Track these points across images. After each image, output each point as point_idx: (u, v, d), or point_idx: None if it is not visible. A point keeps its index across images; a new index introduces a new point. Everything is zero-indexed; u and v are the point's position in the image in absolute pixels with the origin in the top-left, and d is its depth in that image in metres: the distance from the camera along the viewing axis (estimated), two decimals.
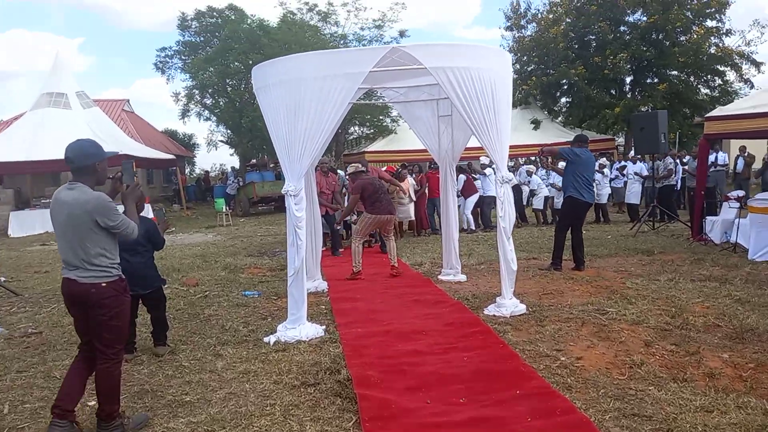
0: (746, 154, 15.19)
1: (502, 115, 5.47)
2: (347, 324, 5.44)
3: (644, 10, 21.77)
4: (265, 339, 5.08)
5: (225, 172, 32.93)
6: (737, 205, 9.71)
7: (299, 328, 5.09)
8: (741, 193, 9.89)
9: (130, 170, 4.65)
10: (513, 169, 17.64)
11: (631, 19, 22.83)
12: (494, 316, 5.41)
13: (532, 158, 20.62)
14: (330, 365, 4.34)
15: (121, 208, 3.42)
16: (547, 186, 13.78)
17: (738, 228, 8.64)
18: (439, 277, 7.40)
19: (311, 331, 5.12)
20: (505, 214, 5.51)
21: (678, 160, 14.03)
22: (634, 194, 13.69)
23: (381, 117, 24.04)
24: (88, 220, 3.25)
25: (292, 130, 5.10)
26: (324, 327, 5.33)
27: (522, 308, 5.49)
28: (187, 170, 40.18)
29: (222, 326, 5.68)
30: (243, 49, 22.24)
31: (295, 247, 5.16)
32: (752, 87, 21.59)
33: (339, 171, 12.43)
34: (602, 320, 5.14)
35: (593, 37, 22.82)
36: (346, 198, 11.14)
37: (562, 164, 14.17)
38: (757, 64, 20.79)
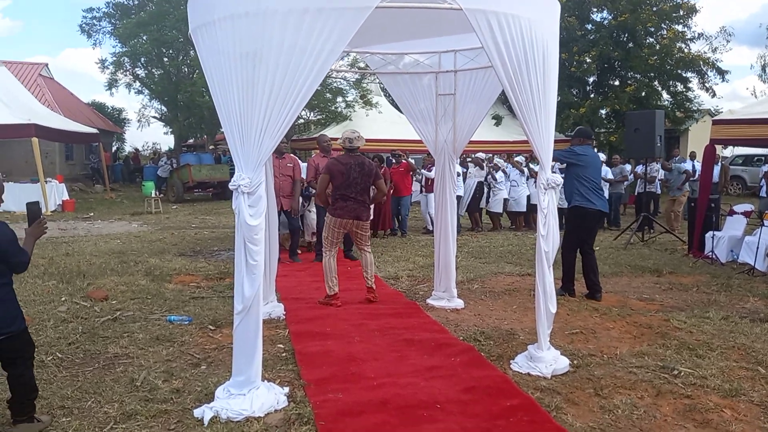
0: (720, 163, 14.47)
1: (551, 92, 3.94)
2: (320, 383, 3.73)
3: (612, 9, 20.98)
4: (197, 412, 3.30)
5: (157, 152, 30.04)
6: (746, 220, 8.70)
7: (250, 395, 3.33)
8: (749, 207, 8.88)
9: (36, 211, 2.79)
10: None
11: (597, 18, 22.03)
12: (529, 375, 3.86)
13: (491, 155, 19.50)
14: None
15: None
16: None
17: (758, 247, 7.55)
18: (429, 301, 5.76)
19: (268, 399, 3.36)
20: (549, 231, 3.91)
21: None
22: None
23: (331, 102, 21.94)
24: None
25: (250, 94, 3.30)
26: (286, 389, 3.59)
27: (565, 363, 3.96)
28: (115, 147, 36.65)
29: (131, 379, 3.85)
30: (182, 16, 19.72)
31: (246, 271, 3.39)
32: (714, 95, 21.26)
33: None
34: (679, 387, 3.70)
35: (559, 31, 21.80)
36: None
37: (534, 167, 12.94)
38: (722, 72, 20.37)
